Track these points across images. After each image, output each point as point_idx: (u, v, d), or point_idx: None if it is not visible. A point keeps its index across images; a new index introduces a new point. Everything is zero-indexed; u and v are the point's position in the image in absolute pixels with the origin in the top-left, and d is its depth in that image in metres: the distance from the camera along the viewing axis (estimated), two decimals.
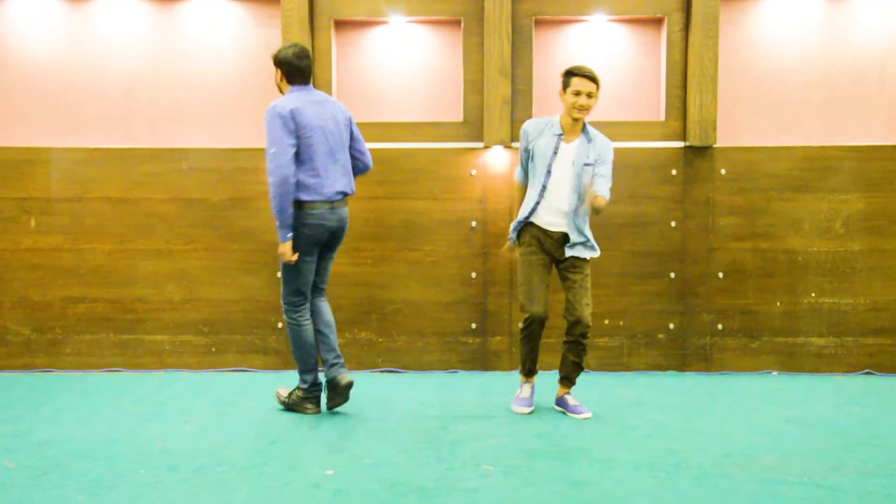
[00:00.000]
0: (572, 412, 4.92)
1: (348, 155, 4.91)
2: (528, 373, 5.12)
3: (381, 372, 6.20)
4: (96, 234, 6.18)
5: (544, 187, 4.83)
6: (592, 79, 4.73)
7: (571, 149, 4.82)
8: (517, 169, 5.08)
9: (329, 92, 6.11)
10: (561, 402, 5.04)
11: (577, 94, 4.72)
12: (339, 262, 6.06)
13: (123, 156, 6.17)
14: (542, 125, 4.92)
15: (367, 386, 5.73)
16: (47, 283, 6.19)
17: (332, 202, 4.75)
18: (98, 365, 6.22)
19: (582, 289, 4.85)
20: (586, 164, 4.78)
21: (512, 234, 5.03)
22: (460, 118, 6.20)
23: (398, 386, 5.76)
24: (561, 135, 4.84)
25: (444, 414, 4.97)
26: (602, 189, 4.73)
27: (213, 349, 6.21)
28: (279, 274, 5.02)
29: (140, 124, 6.31)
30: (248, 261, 6.12)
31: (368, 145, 6.01)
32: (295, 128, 4.60)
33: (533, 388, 5.12)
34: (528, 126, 4.96)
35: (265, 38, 6.26)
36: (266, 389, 5.52)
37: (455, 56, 6.28)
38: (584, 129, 4.85)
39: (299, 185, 4.64)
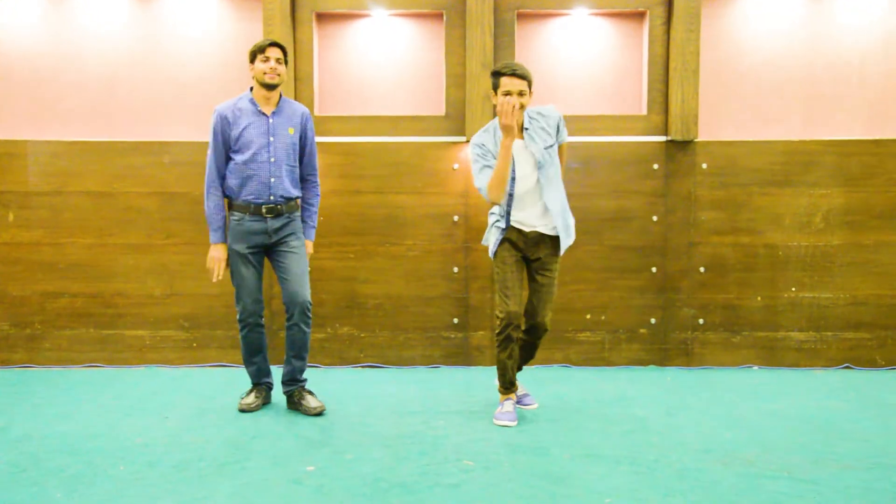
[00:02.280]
0: (520, 403, 4.93)
1: None
2: (510, 386, 4.78)
3: (363, 367, 6.19)
4: (76, 228, 6.13)
5: (511, 196, 4.60)
6: (521, 76, 4.46)
7: (523, 143, 4.58)
8: (483, 185, 4.59)
9: (311, 86, 6.09)
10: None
11: (508, 94, 4.45)
12: (321, 257, 6.05)
13: (103, 149, 6.13)
14: (491, 134, 4.64)
15: (348, 381, 5.72)
16: (26, 277, 6.14)
17: None
18: (78, 360, 6.17)
19: (548, 294, 4.68)
20: (547, 147, 4.58)
21: (493, 250, 4.73)
22: (443, 112, 6.19)
23: (380, 381, 5.75)
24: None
25: (426, 409, 4.97)
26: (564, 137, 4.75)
27: (194, 344, 6.18)
28: (307, 274, 4.84)
29: (120, 117, 6.26)
30: None
31: (351, 139, 6.06)
32: None
33: (514, 402, 4.83)
34: (481, 140, 4.63)
35: (246, 31, 6.22)
36: (246, 385, 5.50)
37: (437, 50, 6.26)
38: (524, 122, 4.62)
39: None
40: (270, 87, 4.68)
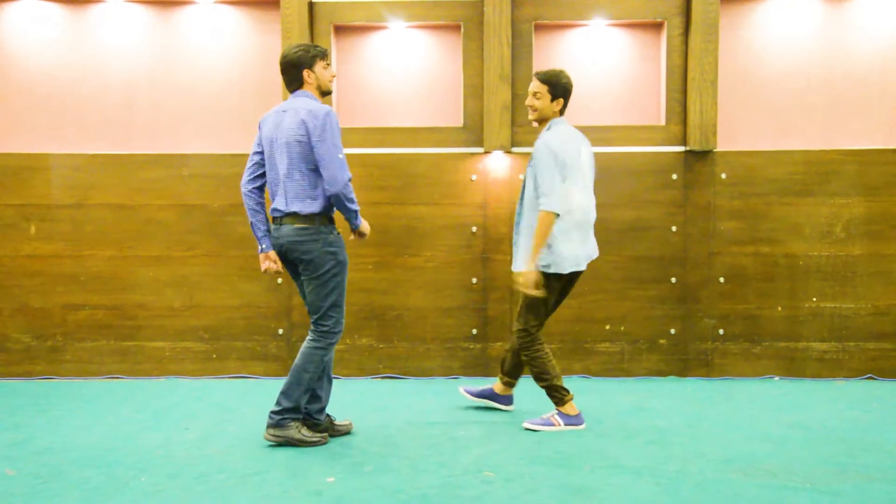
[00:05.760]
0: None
1: (297, 170, 4.34)
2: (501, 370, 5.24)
3: (382, 378, 6.19)
4: (96, 241, 6.17)
5: None
6: (540, 79, 4.68)
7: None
8: None
9: (329, 98, 6.09)
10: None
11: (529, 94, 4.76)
12: None
13: (123, 162, 6.17)
14: None
15: (367, 392, 5.72)
16: (47, 289, 6.18)
17: (273, 220, 4.47)
18: (98, 372, 6.21)
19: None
20: (530, 165, 4.70)
21: None
22: (460, 123, 6.19)
23: (399, 392, 5.75)
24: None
25: (445, 420, 4.96)
26: (540, 203, 4.58)
27: (214, 356, 6.20)
28: None
29: (140, 130, 6.31)
30: (249, 267, 6.11)
31: (368, 150, 6.02)
32: (259, 140, 4.49)
33: (494, 388, 5.24)
34: None
35: (265, 43, 6.26)
36: (267, 396, 5.51)
37: (455, 61, 6.27)
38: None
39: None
40: (328, 94, 4.56)
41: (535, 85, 4.69)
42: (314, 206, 4.35)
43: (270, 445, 4.38)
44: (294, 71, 4.42)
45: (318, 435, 4.46)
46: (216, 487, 3.74)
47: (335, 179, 4.29)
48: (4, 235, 6.17)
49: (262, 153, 4.48)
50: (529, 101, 4.71)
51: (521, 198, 4.76)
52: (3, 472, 3.96)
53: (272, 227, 4.47)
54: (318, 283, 4.39)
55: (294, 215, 4.36)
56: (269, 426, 4.40)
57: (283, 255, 4.46)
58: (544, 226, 4.54)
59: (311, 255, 4.36)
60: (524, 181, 4.74)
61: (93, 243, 6.18)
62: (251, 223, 4.47)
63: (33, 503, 3.55)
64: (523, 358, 4.82)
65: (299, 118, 4.30)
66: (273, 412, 4.39)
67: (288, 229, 4.37)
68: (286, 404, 4.37)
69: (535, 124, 4.82)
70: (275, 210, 4.42)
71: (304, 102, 4.36)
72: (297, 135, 4.30)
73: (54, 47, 6.29)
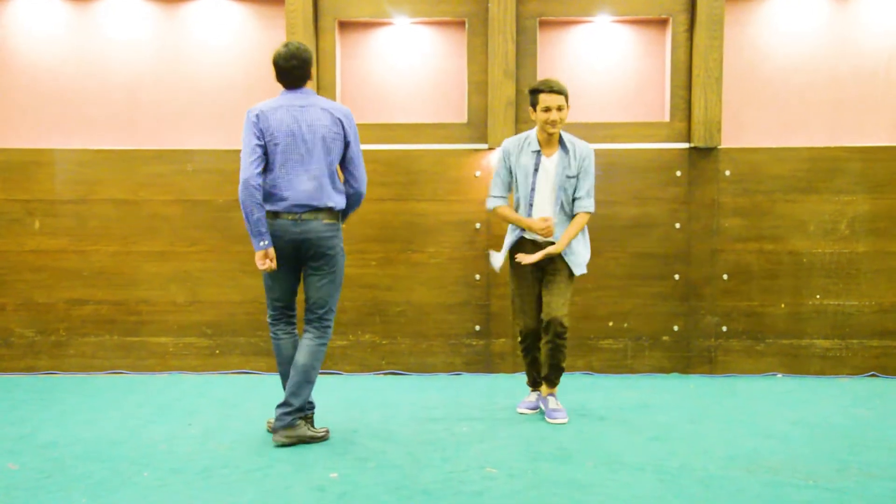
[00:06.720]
0: (548, 416, 4.84)
1: (327, 166, 4.36)
2: (534, 384, 5.16)
3: (385, 374, 6.19)
4: (100, 236, 6.18)
5: (531, 205, 4.81)
6: (559, 91, 4.69)
7: (552, 162, 4.79)
8: (491, 197, 4.91)
9: (333, 94, 6.10)
10: (543, 401, 5.02)
11: (548, 109, 4.67)
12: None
13: (127, 157, 6.17)
14: (520, 142, 4.86)
15: (370, 388, 5.73)
16: (51, 284, 6.19)
17: (292, 214, 4.32)
18: (102, 367, 6.22)
19: (557, 287, 4.79)
20: (568, 177, 4.76)
21: (504, 251, 4.93)
22: (464, 119, 6.19)
23: (402, 388, 5.75)
24: (539, 151, 4.80)
25: (448, 416, 4.96)
26: (584, 205, 4.79)
27: (217, 351, 6.21)
28: None
29: (144, 126, 6.31)
30: (252, 263, 6.10)
31: (373, 146, 6.00)
32: (260, 132, 4.32)
33: (540, 396, 5.11)
34: (507, 144, 4.89)
35: (269, 39, 6.25)
36: (270, 392, 5.52)
37: (459, 57, 6.27)
38: (560, 140, 4.80)
39: (264, 194, 4.36)
40: None
41: (559, 99, 4.68)
42: (342, 202, 4.46)
43: (279, 445, 4.34)
44: (308, 67, 4.45)
45: (322, 429, 4.47)
46: (219, 483, 3.75)
47: (363, 178, 4.55)
48: (9, 230, 6.18)
49: (264, 145, 4.34)
50: (555, 115, 4.66)
51: (558, 202, 4.80)
52: (7, 466, 3.97)
53: (287, 221, 4.33)
54: (332, 278, 4.46)
55: (327, 210, 4.36)
56: (281, 428, 4.34)
57: (295, 249, 4.37)
58: (584, 226, 4.86)
59: (333, 251, 4.42)
60: (562, 184, 4.77)
61: (97, 238, 6.19)
62: (256, 218, 4.26)
63: (37, 497, 3.56)
64: (560, 343, 4.78)
65: (333, 116, 4.39)
66: (284, 413, 4.34)
67: (317, 224, 4.33)
68: (297, 403, 4.36)
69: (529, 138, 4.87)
70: (298, 206, 4.30)
71: (323, 100, 4.45)
72: (333, 132, 4.37)
73: (58, 43, 6.30)
